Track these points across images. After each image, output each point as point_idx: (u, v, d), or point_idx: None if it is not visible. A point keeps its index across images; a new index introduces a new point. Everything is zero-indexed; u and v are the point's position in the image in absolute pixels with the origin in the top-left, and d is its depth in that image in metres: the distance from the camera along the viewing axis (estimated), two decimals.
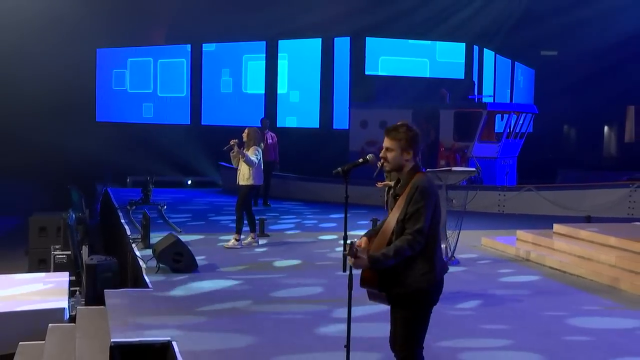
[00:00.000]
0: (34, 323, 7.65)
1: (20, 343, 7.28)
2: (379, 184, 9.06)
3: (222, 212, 16.23)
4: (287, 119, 26.69)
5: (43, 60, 24.58)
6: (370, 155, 5.11)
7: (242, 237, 11.75)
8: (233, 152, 11.72)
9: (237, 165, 11.80)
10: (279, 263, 10.57)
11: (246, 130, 11.93)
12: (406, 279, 4.61)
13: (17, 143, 24.34)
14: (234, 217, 11.83)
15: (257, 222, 12.25)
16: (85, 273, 9.70)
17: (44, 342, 7.10)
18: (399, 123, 4.84)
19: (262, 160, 11.96)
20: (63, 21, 24.11)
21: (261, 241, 12.10)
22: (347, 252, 4.54)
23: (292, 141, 21.79)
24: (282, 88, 27.26)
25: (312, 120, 27.01)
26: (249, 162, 11.52)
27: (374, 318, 6.93)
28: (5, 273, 10.31)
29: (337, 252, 11.05)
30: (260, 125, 16.23)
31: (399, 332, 4.75)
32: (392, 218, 4.64)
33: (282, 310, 7.85)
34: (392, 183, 5.62)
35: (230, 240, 11.76)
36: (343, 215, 5.11)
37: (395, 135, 4.71)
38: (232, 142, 11.70)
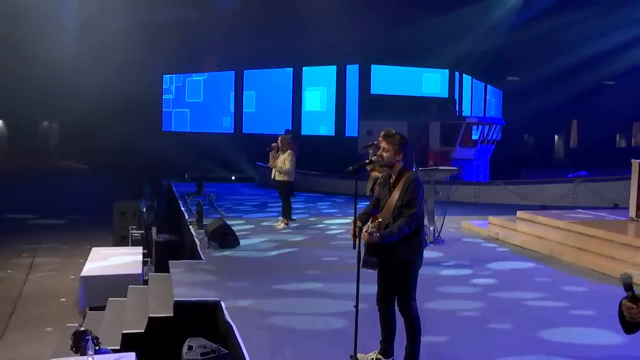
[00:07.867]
0: (118, 284, 7.76)
1: (109, 299, 7.40)
2: (371, 173, 8.77)
3: (257, 201, 16.32)
4: (308, 128, 26.72)
5: (123, 83, 24.84)
6: (375, 157, 5.18)
7: (280, 219, 11.76)
8: (272, 152, 11.70)
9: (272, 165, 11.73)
10: (304, 241, 10.62)
11: (280, 137, 11.91)
12: (399, 251, 4.72)
13: (105, 148, 24.63)
14: (262, 205, 11.70)
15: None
16: (154, 248, 9.82)
17: (126, 298, 7.21)
18: (395, 132, 5.03)
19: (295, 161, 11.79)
20: (141, 55, 24.39)
21: (291, 224, 12.12)
22: (365, 231, 4.66)
23: (312, 145, 21.85)
24: (305, 104, 27.28)
25: (328, 129, 27.02)
26: (282, 172, 11.52)
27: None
28: (97, 247, 10.48)
29: (348, 233, 11.02)
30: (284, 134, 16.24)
31: (397, 294, 4.83)
32: (392, 201, 4.73)
33: (307, 276, 7.92)
34: (379, 175, 5.70)
35: (280, 223, 11.74)
36: (353, 204, 5.17)
37: (391, 140, 4.86)
38: (273, 145, 11.70)
